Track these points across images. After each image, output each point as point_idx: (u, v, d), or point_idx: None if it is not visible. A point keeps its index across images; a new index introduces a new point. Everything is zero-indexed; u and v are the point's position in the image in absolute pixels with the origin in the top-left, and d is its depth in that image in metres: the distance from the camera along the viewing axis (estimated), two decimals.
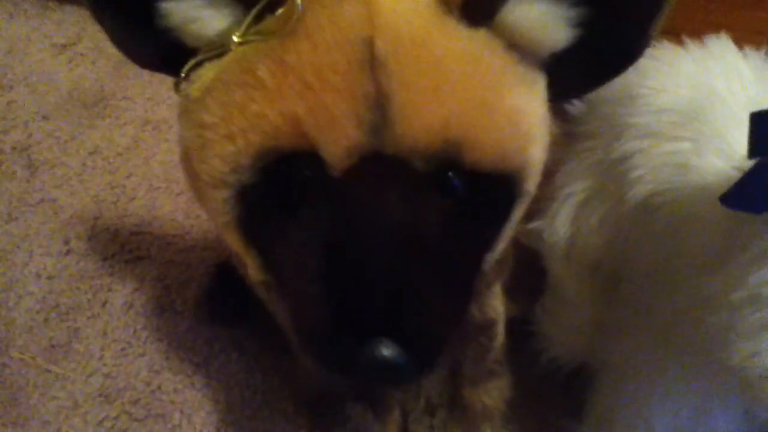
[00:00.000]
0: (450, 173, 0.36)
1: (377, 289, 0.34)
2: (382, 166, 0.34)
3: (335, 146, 0.33)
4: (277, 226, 0.37)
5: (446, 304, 0.36)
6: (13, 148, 0.86)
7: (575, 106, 0.75)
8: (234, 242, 0.40)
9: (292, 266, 0.37)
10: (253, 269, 0.41)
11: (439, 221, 0.36)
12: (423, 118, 0.34)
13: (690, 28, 0.69)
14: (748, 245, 0.41)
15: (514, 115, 0.36)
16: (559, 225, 0.68)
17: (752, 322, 0.38)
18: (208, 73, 0.36)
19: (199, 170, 0.37)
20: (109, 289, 0.75)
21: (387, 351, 0.34)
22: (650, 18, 0.37)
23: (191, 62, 0.37)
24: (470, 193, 0.37)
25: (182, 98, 0.38)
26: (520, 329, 0.66)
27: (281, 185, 0.36)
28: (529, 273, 0.68)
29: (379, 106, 0.33)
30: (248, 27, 0.35)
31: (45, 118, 0.88)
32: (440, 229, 0.36)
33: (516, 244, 0.65)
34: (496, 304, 0.62)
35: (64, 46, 0.96)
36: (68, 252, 0.77)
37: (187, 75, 0.37)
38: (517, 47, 0.36)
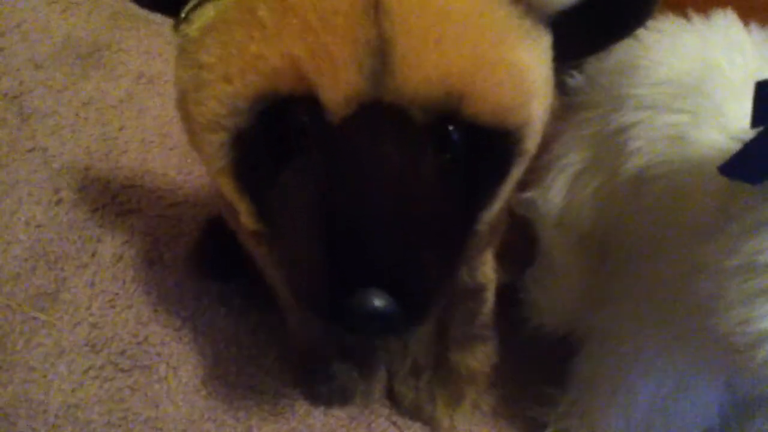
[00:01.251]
0: (450, 127, 0.36)
1: (371, 239, 0.34)
2: (381, 116, 0.34)
3: (334, 91, 0.33)
4: (272, 173, 0.37)
5: (439, 257, 0.36)
6: (5, 96, 0.84)
7: (574, 78, 0.75)
8: (227, 189, 0.39)
9: (285, 214, 0.37)
10: (245, 217, 0.41)
11: (436, 175, 0.36)
12: (424, 67, 0.33)
13: (696, 3, 0.68)
14: (743, 215, 0.41)
15: (517, 69, 0.36)
16: (553, 195, 0.68)
17: (744, 290, 0.39)
18: (208, 12, 0.36)
19: (195, 112, 0.36)
20: (99, 240, 0.75)
21: (378, 301, 0.34)
22: None
23: (192, 2, 0.36)
24: (469, 148, 0.36)
25: (181, 39, 0.37)
26: (508, 296, 0.66)
27: (278, 131, 0.35)
28: (520, 241, 0.68)
29: (381, 52, 0.33)
30: None
31: (38, 66, 0.87)
32: (437, 182, 0.36)
33: (509, 212, 0.65)
34: (486, 270, 0.62)
35: None
36: (58, 201, 0.77)
37: (187, 15, 0.37)
38: (525, 2, 0.36)
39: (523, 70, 0.36)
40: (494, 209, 0.42)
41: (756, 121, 0.40)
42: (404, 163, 0.35)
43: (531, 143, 0.39)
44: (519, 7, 0.36)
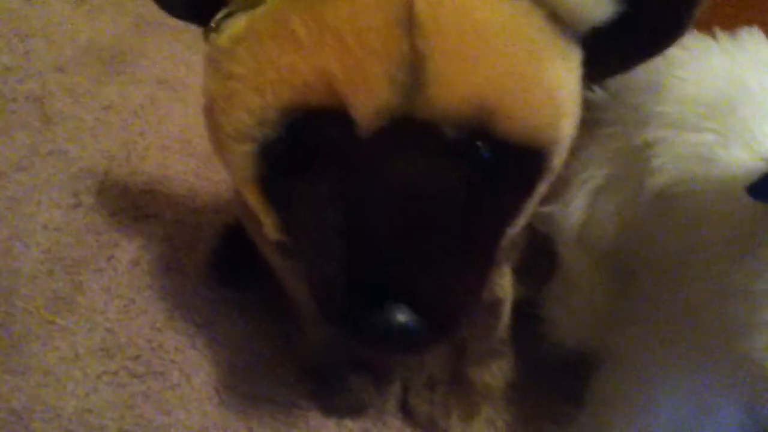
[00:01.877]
0: (479, 143, 0.35)
1: (396, 252, 0.34)
2: (411, 131, 0.34)
3: (366, 106, 0.33)
4: (298, 185, 0.36)
5: (465, 273, 0.36)
6: (27, 98, 0.85)
7: (597, 94, 0.74)
8: (252, 199, 0.39)
9: (310, 226, 0.36)
10: (269, 228, 0.40)
11: (463, 190, 0.35)
12: (457, 84, 0.33)
13: (722, 22, 0.68)
14: None
15: (550, 88, 0.35)
16: (574, 210, 0.68)
17: None
18: (239, 22, 0.35)
19: (223, 122, 0.36)
20: (116, 245, 0.75)
21: (403, 316, 0.33)
22: None
23: (223, 11, 0.36)
24: (497, 164, 0.36)
25: (210, 48, 0.37)
26: (526, 312, 0.66)
27: (306, 143, 0.35)
28: (540, 256, 0.67)
29: (414, 68, 0.33)
30: None
31: (61, 70, 0.88)
32: (463, 198, 0.35)
33: (528, 226, 0.64)
34: (504, 284, 0.61)
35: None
36: (77, 205, 0.77)
37: (218, 25, 0.36)
38: (558, 19, 0.36)
39: (555, 89, 0.36)
40: (519, 225, 0.41)
41: None
42: (431, 178, 0.34)
43: (558, 160, 0.39)
44: (553, 25, 0.36)
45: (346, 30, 0.32)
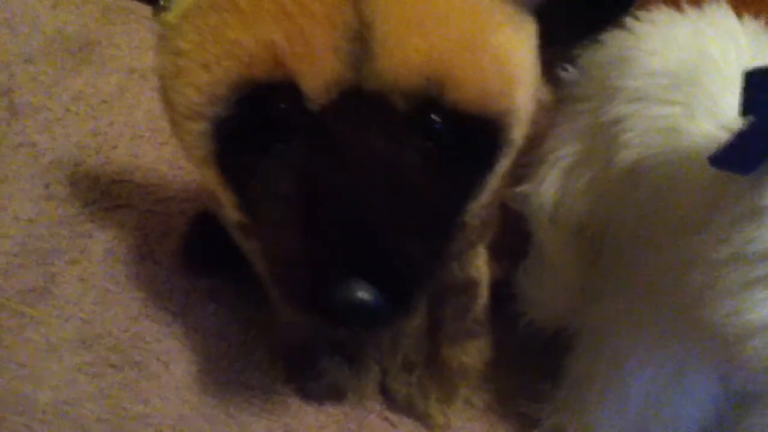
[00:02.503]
0: (432, 115, 0.35)
1: (353, 228, 0.33)
2: (363, 103, 0.34)
3: (314, 77, 0.32)
4: (254, 162, 0.36)
5: (425, 248, 0.36)
6: None
7: (568, 72, 0.74)
8: (210, 179, 0.39)
9: (267, 204, 0.36)
10: (228, 208, 0.40)
11: (420, 163, 0.35)
12: (405, 53, 0.33)
13: None
14: (733, 205, 0.41)
15: (500, 55, 0.35)
16: (546, 189, 0.68)
17: (734, 280, 0.38)
18: None
19: (175, 101, 0.36)
20: (89, 236, 0.74)
21: (362, 292, 0.33)
22: None
23: None
24: (453, 137, 0.36)
25: (160, 26, 0.37)
26: (501, 291, 0.66)
27: (258, 119, 0.35)
28: (514, 236, 0.67)
29: (361, 37, 0.32)
30: None
31: (28, 61, 0.86)
32: (421, 171, 0.35)
33: (502, 206, 0.64)
34: (479, 264, 0.62)
35: None
36: (48, 197, 0.76)
37: (167, 2, 0.36)
38: None
39: (505, 56, 0.35)
40: (481, 200, 0.41)
41: (744, 110, 0.40)
42: (387, 151, 0.34)
43: (517, 132, 0.39)
44: None
45: None
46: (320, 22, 0.32)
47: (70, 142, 0.80)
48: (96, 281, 0.72)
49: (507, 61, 0.35)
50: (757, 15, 0.66)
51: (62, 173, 0.78)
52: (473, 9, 0.34)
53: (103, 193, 0.77)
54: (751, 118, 0.41)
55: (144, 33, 0.89)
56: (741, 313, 0.37)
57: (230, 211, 0.40)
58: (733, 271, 0.38)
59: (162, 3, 0.36)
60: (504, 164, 0.41)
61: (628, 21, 0.67)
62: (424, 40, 0.33)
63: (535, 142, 0.75)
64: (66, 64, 0.86)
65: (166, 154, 0.80)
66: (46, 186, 0.77)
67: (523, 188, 0.70)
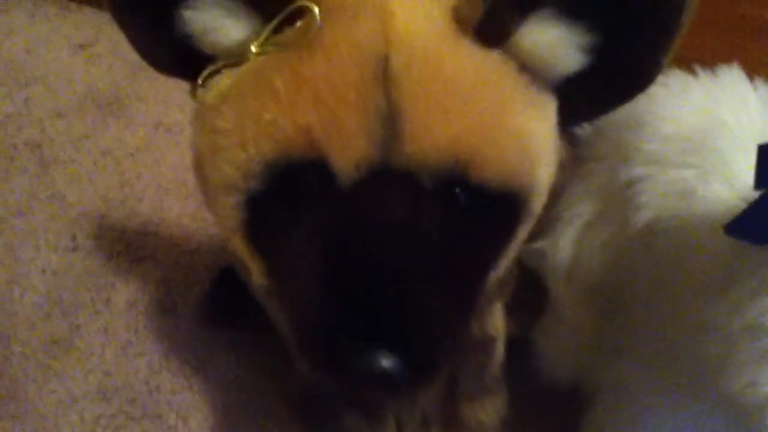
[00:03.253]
0: (457, 189, 0.36)
1: (376, 299, 0.34)
2: (390, 180, 0.35)
3: (345, 158, 0.34)
4: (283, 233, 0.37)
5: (447, 317, 0.37)
6: (26, 144, 0.87)
7: (584, 129, 0.76)
8: (240, 247, 0.40)
9: (294, 272, 0.37)
10: (256, 275, 0.41)
11: (443, 234, 0.36)
12: (432, 135, 0.34)
13: (702, 58, 0.69)
14: (750, 275, 0.41)
15: (523, 135, 0.37)
16: (563, 246, 0.68)
17: (751, 352, 0.39)
18: (224, 80, 0.37)
19: (211, 175, 0.37)
20: (113, 288, 0.76)
21: (384, 361, 0.34)
22: (661, 47, 0.38)
23: (209, 69, 0.37)
24: (476, 209, 0.37)
25: (198, 104, 0.39)
26: (519, 348, 0.66)
27: (290, 193, 0.36)
28: (530, 292, 0.68)
29: (390, 121, 0.34)
30: (266, 38, 0.36)
31: (60, 116, 0.90)
32: (444, 242, 0.36)
33: (518, 263, 0.65)
34: (496, 322, 0.62)
35: (81, 46, 0.97)
36: (74, 249, 0.78)
37: (204, 82, 0.38)
38: (530, 70, 0.37)
39: (528, 137, 0.37)
40: (500, 268, 0.42)
41: (759, 183, 0.41)
42: (411, 222, 0.35)
43: (537, 204, 0.40)
44: (525, 76, 0.37)
45: (323, 85, 0.34)
46: (353, 108, 0.33)
47: (97, 195, 0.82)
48: (118, 333, 0.73)
49: (529, 140, 0.37)
50: None
51: (89, 225, 0.80)
52: (497, 93, 0.36)
53: (128, 246, 0.79)
54: (765, 189, 0.42)
55: (171, 89, 0.92)
56: (758, 385, 0.38)
57: (257, 278, 0.42)
58: (749, 342, 0.38)
59: (201, 82, 0.38)
60: (523, 234, 0.42)
61: None
62: (451, 124, 0.34)
63: (551, 198, 0.76)
64: (95, 118, 0.89)
65: (190, 207, 0.82)
66: (73, 238, 0.79)
67: (539, 245, 0.71)
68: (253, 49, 0.36)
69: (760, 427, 0.39)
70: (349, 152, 0.34)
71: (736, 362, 0.39)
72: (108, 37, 0.98)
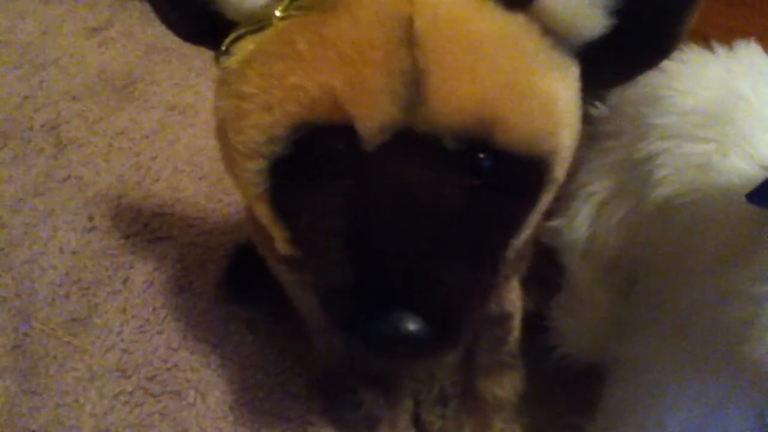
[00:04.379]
0: (481, 154, 0.36)
1: (400, 261, 0.35)
2: (414, 143, 0.35)
3: (370, 120, 0.34)
4: (306, 197, 0.38)
5: (470, 282, 0.37)
6: (42, 126, 0.87)
7: (598, 109, 0.76)
8: (263, 214, 0.40)
9: (319, 239, 0.38)
10: (280, 243, 0.42)
11: (467, 200, 0.36)
12: (457, 97, 0.34)
13: (719, 34, 0.69)
14: None
15: (547, 99, 0.37)
16: (579, 223, 0.68)
17: None
18: (248, 45, 0.37)
19: (235, 141, 0.38)
20: (131, 267, 0.76)
21: (411, 324, 0.34)
22: (683, 11, 0.38)
23: (232, 35, 0.38)
24: (499, 175, 0.37)
25: (221, 70, 0.39)
26: (535, 324, 0.66)
27: (313, 157, 0.36)
28: (547, 269, 0.68)
29: (415, 83, 0.34)
30: (290, 1, 0.36)
31: (75, 98, 0.90)
32: (467, 208, 0.36)
33: (535, 240, 0.65)
34: (513, 298, 0.62)
35: (96, 29, 0.98)
36: (92, 229, 0.79)
37: (228, 48, 0.38)
38: (553, 33, 0.37)
39: (552, 100, 0.37)
40: (523, 236, 0.42)
41: None
42: (435, 187, 0.36)
43: (560, 171, 0.40)
44: (548, 39, 0.37)
45: (348, 46, 0.34)
46: (378, 69, 0.33)
47: (113, 176, 0.83)
48: (136, 312, 0.74)
49: (553, 104, 0.37)
50: None
51: (105, 206, 0.81)
52: (521, 55, 0.36)
53: (145, 226, 0.79)
54: None
55: (185, 71, 0.92)
56: None
57: (281, 245, 0.42)
58: None
59: (224, 48, 0.38)
60: (546, 202, 0.42)
61: None
62: (475, 86, 0.34)
63: (567, 175, 0.76)
64: (110, 101, 0.90)
65: (205, 188, 0.82)
66: (90, 218, 0.80)
67: (555, 222, 0.71)
68: (277, 13, 0.36)
69: None
70: (374, 114, 0.34)
71: (759, 327, 0.39)
72: (121, 20, 0.98)
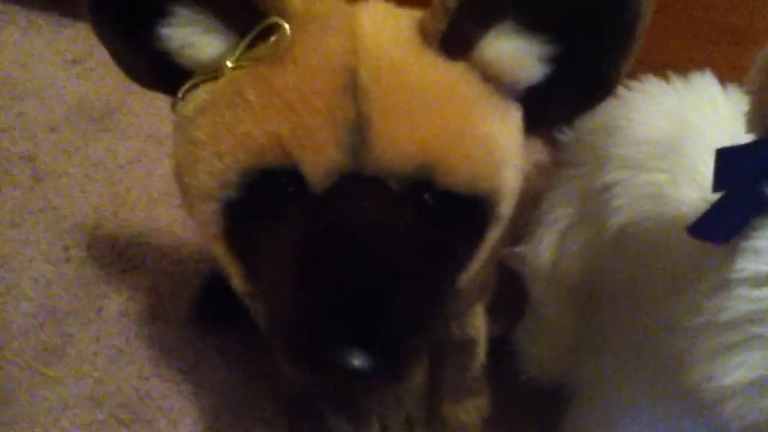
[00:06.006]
0: (425, 195, 0.38)
1: (348, 296, 0.36)
2: (360, 185, 0.37)
3: (316, 166, 0.36)
4: (260, 238, 0.39)
5: (417, 315, 0.38)
6: (20, 158, 0.88)
7: (566, 135, 0.78)
8: (220, 253, 0.42)
9: (271, 275, 0.39)
10: (237, 280, 0.43)
11: (413, 237, 0.38)
12: (399, 143, 0.36)
13: (675, 64, 0.72)
14: (710, 273, 0.43)
15: (487, 141, 0.38)
16: (543, 249, 0.70)
17: (709, 347, 0.40)
18: (201, 94, 0.39)
19: (190, 184, 0.39)
20: (105, 297, 0.77)
21: (356, 359, 0.35)
22: (619, 57, 0.40)
23: (187, 84, 0.39)
24: (444, 213, 0.39)
25: (177, 116, 0.40)
26: (500, 349, 0.68)
27: (265, 200, 0.38)
28: (512, 294, 0.70)
29: (359, 129, 0.36)
30: (241, 53, 0.37)
31: (52, 129, 0.91)
32: (414, 244, 0.38)
33: (499, 266, 0.67)
34: (477, 324, 0.64)
35: (74, 61, 0.99)
36: (67, 259, 0.80)
37: (183, 95, 0.40)
38: (493, 79, 0.39)
39: (492, 142, 0.39)
40: (471, 270, 0.44)
41: (716, 186, 0.42)
42: (382, 225, 0.37)
43: (504, 208, 0.42)
44: (488, 85, 0.39)
45: (294, 96, 0.35)
46: (323, 117, 0.35)
47: (89, 207, 0.84)
48: (110, 341, 0.74)
49: (493, 146, 0.39)
50: (741, 83, 0.69)
51: (81, 236, 0.82)
52: (460, 101, 0.37)
53: (120, 255, 0.80)
54: (723, 192, 0.44)
55: (161, 102, 0.94)
56: (715, 379, 0.39)
57: (237, 282, 0.43)
58: (707, 338, 0.40)
59: (180, 96, 0.40)
60: (493, 236, 0.44)
61: (619, 90, 0.71)
62: (416, 132, 0.36)
63: (532, 203, 0.78)
64: (88, 131, 0.91)
65: (180, 217, 0.83)
66: (65, 249, 0.80)
67: (520, 248, 0.73)
68: (229, 64, 0.38)
69: (719, 420, 0.41)
70: (319, 159, 0.36)
71: (695, 357, 0.41)
72: (100, 52, 0.99)
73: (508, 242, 0.73)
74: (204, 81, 0.39)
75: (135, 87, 0.95)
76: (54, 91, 0.95)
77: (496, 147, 0.39)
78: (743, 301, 0.38)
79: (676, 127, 0.63)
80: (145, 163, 0.89)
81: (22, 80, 0.96)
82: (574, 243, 0.68)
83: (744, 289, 0.38)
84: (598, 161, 0.67)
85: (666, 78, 0.70)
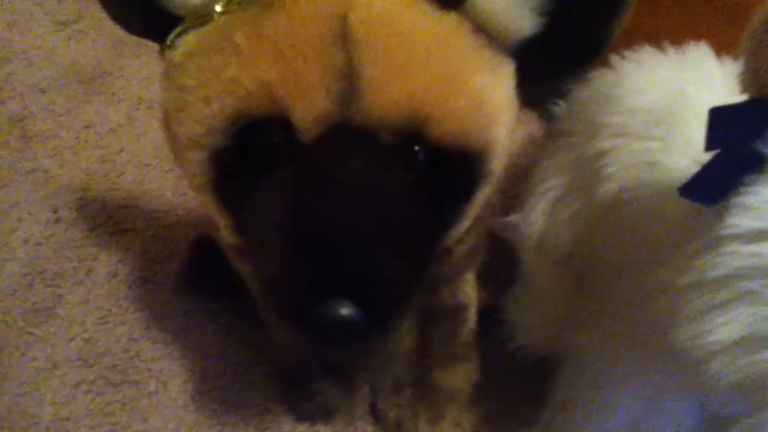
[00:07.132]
0: (415, 147, 0.38)
1: (336, 250, 0.36)
2: (350, 136, 0.36)
3: (305, 114, 0.35)
4: (248, 189, 0.39)
5: (405, 270, 0.38)
6: (9, 119, 0.87)
7: (560, 106, 0.78)
8: (208, 203, 0.41)
9: (260, 228, 0.39)
10: (225, 231, 0.43)
11: (402, 192, 0.38)
12: (390, 92, 0.35)
13: (672, 37, 0.71)
14: (698, 234, 0.43)
15: (478, 95, 0.38)
16: (534, 219, 0.70)
17: (696, 306, 0.40)
18: (190, 40, 0.38)
19: (177, 132, 0.39)
20: (94, 258, 0.77)
21: (344, 309, 0.35)
22: (614, 13, 0.39)
23: (176, 30, 0.39)
24: (434, 168, 0.38)
25: (166, 63, 0.40)
26: (489, 316, 0.68)
27: (253, 149, 0.38)
28: (503, 263, 0.70)
29: (349, 78, 0.35)
30: None
31: (42, 91, 0.90)
32: (403, 198, 0.38)
33: (491, 235, 0.67)
34: (467, 290, 0.64)
35: (64, 23, 0.98)
36: (56, 220, 0.79)
37: (172, 42, 0.39)
38: (485, 32, 0.38)
39: (483, 96, 0.38)
40: (460, 227, 0.44)
41: (708, 145, 0.42)
42: (371, 178, 0.37)
43: (495, 165, 0.41)
44: (480, 37, 0.38)
45: (284, 42, 0.35)
46: (312, 64, 0.35)
47: (79, 169, 0.84)
48: (100, 302, 0.74)
49: (484, 100, 0.38)
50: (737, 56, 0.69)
51: (71, 198, 0.81)
52: (453, 53, 0.37)
53: (110, 218, 0.80)
54: (714, 152, 0.44)
55: (152, 65, 0.93)
56: (702, 337, 0.39)
57: (226, 234, 0.43)
58: (694, 297, 0.40)
59: (168, 42, 0.39)
60: (482, 194, 0.43)
61: (614, 60, 0.71)
62: (407, 82, 0.35)
63: (525, 173, 0.78)
64: (78, 94, 0.90)
65: (170, 181, 0.83)
66: (55, 210, 0.80)
67: (512, 218, 0.73)
68: (218, 8, 0.37)
69: (705, 378, 0.41)
70: (308, 107, 0.35)
71: (682, 316, 0.41)
72: (90, 14, 0.99)
73: (500, 212, 0.73)
74: (193, 26, 0.38)
75: (126, 50, 0.95)
76: (43, 53, 0.94)
77: (487, 101, 0.39)
78: (733, 256, 0.38)
79: (670, 96, 0.63)
80: (136, 127, 0.88)
81: (11, 41, 0.95)
82: (565, 212, 0.68)
83: (734, 245, 0.38)
84: (592, 130, 0.67)
85: (661, 48, 0.70)
